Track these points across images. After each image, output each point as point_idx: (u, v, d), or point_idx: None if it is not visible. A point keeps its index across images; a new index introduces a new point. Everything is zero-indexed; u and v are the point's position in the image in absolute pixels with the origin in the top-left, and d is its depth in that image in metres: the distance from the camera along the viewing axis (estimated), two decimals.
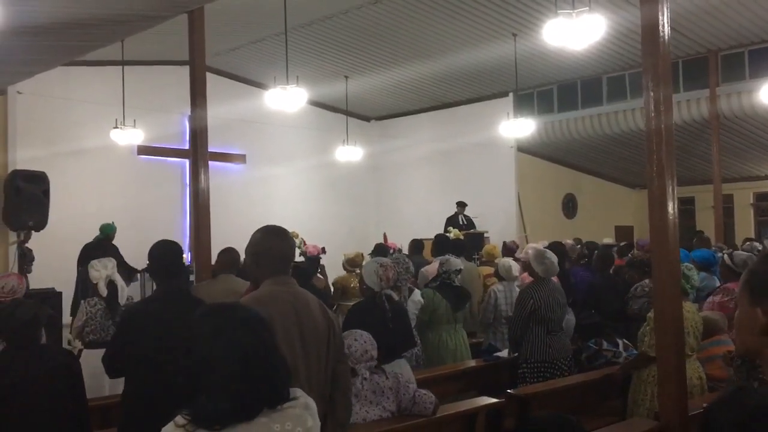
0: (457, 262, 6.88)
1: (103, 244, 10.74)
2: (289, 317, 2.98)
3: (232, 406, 1.90)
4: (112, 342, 4.05)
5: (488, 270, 8.00)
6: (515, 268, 7.19)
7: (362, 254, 8.94)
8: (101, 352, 5.22)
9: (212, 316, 2.05)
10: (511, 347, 6.03)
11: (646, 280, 6.42)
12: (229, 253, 5.99)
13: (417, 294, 6.76)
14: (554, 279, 6.16)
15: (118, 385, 5.36)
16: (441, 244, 8.20)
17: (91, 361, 5.50)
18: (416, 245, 9.81)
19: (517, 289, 6.94)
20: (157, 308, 3.80)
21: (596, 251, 9.03)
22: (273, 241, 3.11)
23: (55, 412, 3.51)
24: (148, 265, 4.02)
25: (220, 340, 1.96)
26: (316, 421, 2.03)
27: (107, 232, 10.93)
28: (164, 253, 3.93)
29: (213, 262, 6.67)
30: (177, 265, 3.95)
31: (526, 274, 7.44)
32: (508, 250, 10.00)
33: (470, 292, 7.62)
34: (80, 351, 5.69)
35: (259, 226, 3.20)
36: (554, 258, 5.99)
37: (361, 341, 4.04)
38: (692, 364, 4.76)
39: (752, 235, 15.34)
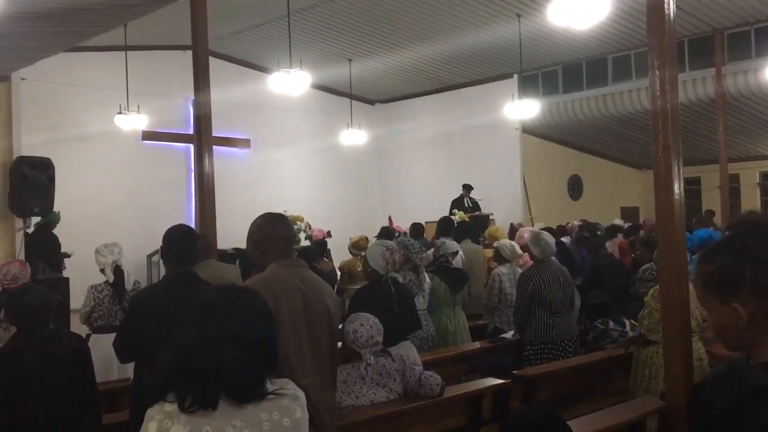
0: (453, 244, 6.88)
1: (42, 232, 10.66)
2: (297, 300, 2.95)
3: (178, 390, 1.83)
4: (121, 328, 4.07)
5: (491, 253, 8.01)
6: (518, 246, 7.21)
7: (366, 238, 8.96)
8: (110, 337, 5.27)
9: (206, 295, 2.03)
10: (517, 331, 6.04)
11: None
12: (201, 239, 5.68)
13: (427, 277, 6.76)
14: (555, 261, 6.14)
15: (126, 370, 5.42)
16: (445, 227, 8.17)
17: (100, 346, 5.54)
18: (417, 229, 9.86)
19: (520, 271, 6.94)
20: (164, 292, 3.83)
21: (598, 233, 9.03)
22: (274, 225, 3.11)
23: (66, 396, 3.54)
24: (160, 248, 4.04)
25: (187, 322, 1.93)
26: (304, 414, 1.95)
27: (51, 219, 10.80)
28: (172, 238, 3.96)
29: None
30: (185, 250, 3.95)
31: (527, 255, 7.46)
32: (515, 231, 10.00)
33: (475, 274, 7.64)
34: (88, 336, 5.73)
35: (264, 211, 3.22)
36: (550, 239, 6.00)
37: (367, 326, 4.01)
38: (695, 344, 4.76)
39: None
